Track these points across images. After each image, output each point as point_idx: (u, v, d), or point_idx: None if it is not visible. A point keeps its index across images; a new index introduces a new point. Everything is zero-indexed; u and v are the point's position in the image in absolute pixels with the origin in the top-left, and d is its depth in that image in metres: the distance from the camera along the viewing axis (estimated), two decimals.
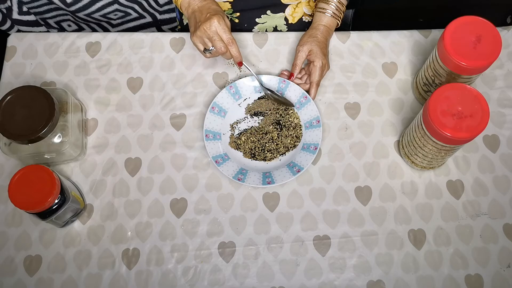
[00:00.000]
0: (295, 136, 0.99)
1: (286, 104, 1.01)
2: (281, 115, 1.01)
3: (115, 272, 0.91)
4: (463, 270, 0.91)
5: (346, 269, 0.91)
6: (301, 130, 1.00)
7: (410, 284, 0.90)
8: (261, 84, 1.01)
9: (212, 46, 0.96)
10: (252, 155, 0.98)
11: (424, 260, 0.91)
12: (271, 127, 1.00)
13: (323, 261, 0.92)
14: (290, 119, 1.00)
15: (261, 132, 1.00)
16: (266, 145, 0.99)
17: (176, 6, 1.22)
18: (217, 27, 0.93)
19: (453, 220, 0.94)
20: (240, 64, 0.99)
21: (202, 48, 0.97)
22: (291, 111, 1.01)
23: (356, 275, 0.91)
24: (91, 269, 0.91)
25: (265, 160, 0.98)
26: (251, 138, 0.99)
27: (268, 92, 1.01)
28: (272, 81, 1.02)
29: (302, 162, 0.96)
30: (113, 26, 1.35)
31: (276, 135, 0.99)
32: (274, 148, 0.99)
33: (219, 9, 0.97)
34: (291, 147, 0.99)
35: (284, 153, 0.99)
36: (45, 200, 0.82)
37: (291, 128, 1.00)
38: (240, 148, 0.99)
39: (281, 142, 0.99)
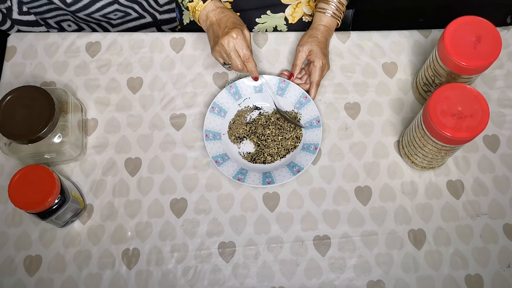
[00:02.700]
0: (295, 136, 0.99)
1: (295, 124, 1.00)
2: (278, 118, 1.01)
3: (115, 272, 0.91)
4: (463, 270, 0.91)
5: (346, 269, 0.91)
6: (300, 130, 1.00)
7: (410, 284, 0.90)
8: (277, 107, 1.01)
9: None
10: (252, 159, 0.98)
11: (424, 260, 0.91)
12: (268, 130, 1.00)
13: (323, 261, 0.92)
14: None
15: (261, 137, 0.99)
16: (266, 149, 0.99)
17: (177, 7, 1.22)
18: (235, 43, 0.93)
19: (453, 220, 0.94)
20: (256, 79, 0.99)
21: (222, 62, 0.98)
22: (288, 113, 1.01)
23: (356, 275, 0.91)
24: (91, 269, 0.91)
25: (265, 163, 0.98)
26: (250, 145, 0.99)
27: (284, 114, 1.00)
28: (272, 81, 1.02)
29: (302, 162, 0.96)
30: (113, 26, 1.35)
31: (277, 133, 0.99)
32: (275, 152, 0.99)
33: (237, 22, 0.96)
34: (291, 149, 0.99)
35: (285, 155, 0.99)
36: (45, 200, 0.82)
37: (291, 130, 1.00)
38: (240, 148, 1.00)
39: (282, 145, 0.99)
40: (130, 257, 0.92)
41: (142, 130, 1.01)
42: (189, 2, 0.98)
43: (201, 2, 0.97)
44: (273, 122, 1.01)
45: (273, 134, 0.99)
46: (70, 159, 0.97)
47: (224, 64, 0.98)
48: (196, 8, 0.97)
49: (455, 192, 0.96)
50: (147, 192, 0.96)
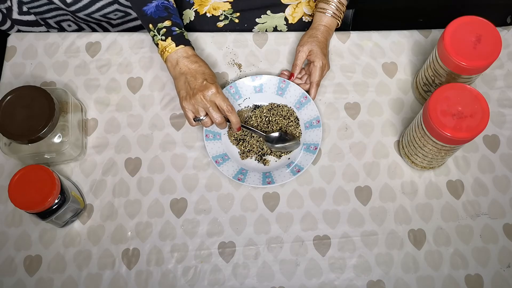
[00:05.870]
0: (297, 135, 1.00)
1: (291, 149, 0.98)
2: (280, 126, 1.01)
3: (115, 272, 0.91)
4: (463, 270, 0.91)
5: (346, 269, 0.91)
6: (299, 129, 1.00)
7: (410, 284, 0.90)
8: (266, 139, 0.99)
9: (205, 116, 0.93)
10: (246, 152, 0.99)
11: (424, 260, 0.91)
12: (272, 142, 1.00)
13: (323, 261, 0.92)
14: (288, 121, 1.01)
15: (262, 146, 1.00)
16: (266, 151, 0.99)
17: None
18: (216, 97, 0.91)
19: (453, 220, 0.94)
20: (239, 129, 0.95)
21: (191, 116, 0.93)
22: (287, 113, 1.01)
23: (356, 275, 0.91)
24: (91, 269, 0.91)
25: (265, 164, 0.98)
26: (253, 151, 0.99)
27: (275, 146, 0.98)
28: (272, 81, 1.02)
29: (302, 162, 0.96)
30: (113, 26, 1.35)
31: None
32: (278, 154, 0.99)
33: (213, 74, 0.94)
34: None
35: (280, 155, 0.99)
36: (45, 200, 0.82)
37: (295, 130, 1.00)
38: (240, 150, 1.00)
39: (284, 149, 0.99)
40: (130, 257, 0.92)
41: (142, 130, 1.01)
42: (161, 40, 0.94)
43: (174, 44, 0.94)
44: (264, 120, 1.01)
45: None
46: (70, 159, 0.97)
47: (195, 119, 0.93)
48: (167, 49, 0.94)
49: (455, 192, 0.96)
50: (147, 192, 0.96)
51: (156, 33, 0.95)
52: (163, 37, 0.95)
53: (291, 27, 1.13)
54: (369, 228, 0.94)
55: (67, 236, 0.93)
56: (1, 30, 1.26)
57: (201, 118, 0.93)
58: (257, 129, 1.00)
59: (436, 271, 0.91)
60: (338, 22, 1.05)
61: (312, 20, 1.07)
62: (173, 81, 0.96)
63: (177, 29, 0.96)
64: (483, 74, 1.05)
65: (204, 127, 0.98)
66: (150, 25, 0.96)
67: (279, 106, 1.02)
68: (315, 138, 0.98)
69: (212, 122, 0.94)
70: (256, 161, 0.98)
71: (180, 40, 0.95)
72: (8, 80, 1.05)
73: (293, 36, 1.09)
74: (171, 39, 0.94)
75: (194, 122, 0.94)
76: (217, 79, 0.95)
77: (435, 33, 1.09)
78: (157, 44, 0.96)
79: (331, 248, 0.92)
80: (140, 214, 0.95)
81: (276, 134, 0.98)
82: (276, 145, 0.97)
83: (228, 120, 0.95)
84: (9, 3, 1.23)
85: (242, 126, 0.96)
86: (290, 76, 1.03)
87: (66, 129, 0.93)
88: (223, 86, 1.04)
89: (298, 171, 0.94)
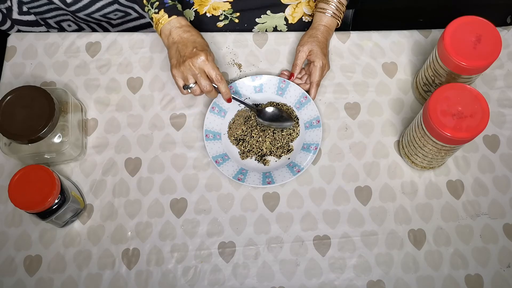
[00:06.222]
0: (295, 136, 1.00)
1: (283, 127, 0.99)
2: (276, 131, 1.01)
3: (115, 272, 0.91)
4: (463, 270, 0.91)
5: (346, 269, 0.91)
6: (297, 126, 1.00)
7: (410, 284, 0.90)
8: (259, 116, 0.99)
9: (194, 84, 0.94)
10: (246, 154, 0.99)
11: (424, 260, 0.91)
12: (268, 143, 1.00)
13: (323, 261, 0.92)
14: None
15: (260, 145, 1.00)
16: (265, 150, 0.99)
17: None
18: (205, 65, 0.91)
19: (453, 220, 0.94)
20: (229, 100, 0.97)
21: (181, 84, 0.95)
22: (287, 111, 1.01)
23: (356, 275, 0.91)
24: (91, 269, 0.91)
25: (265, 164, 0.98)
26: (252, 151, 0.99)
27: (266, 123, 0.99)
28: (272, 81, 1.03)
29: (302, 162, 0.96)
30: (113, 26, 1.35)
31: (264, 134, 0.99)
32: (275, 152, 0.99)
33: (205, 43, 0.95)
34: (290, 150, 0.99)
35: (281, 154, 0.99)
36: (45, 200, 0.82)
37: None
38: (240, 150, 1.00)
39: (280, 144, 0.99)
40: (130, 257, 0.92)
41: (142, 130, 1.01)
42: (155, 13, 0.96)
43: (166, 16, 0.96)
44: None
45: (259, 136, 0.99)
46: (70, 159, 0.97)
47: (184, 86, 0.95)
48: (160, 21, 0.96)
49: (455, 192, 0.96)
50: (147, 192, 0.96)
51: (150, 8, 0.97)
52: (156, 10, 0.96)
53: (291, 27, 1.13)
54: (369, 228, 0.94)
55: (67, 236, 0.93)
56: (1, 30, 1.26)
57: (190, 85, 0.94)
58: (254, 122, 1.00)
59: (436, 271, 0.91)
60: (338, 22, 1.05)
61: (312, 20, 1.07)
62: (167, 51, 0.97)
63: (169, 1, 0.97)
64: (483, 74, 1.05)
65: (204, 128, 0.98)
66: (144, 0, 0.98)
67: (278, 105, 1.02)
68: (315, 138, 0.98)
69: (202, 91, 0.95)
70: (256, 161, 0.98)
71: (173, 11, 0.96)
72: (8, 80, 1.05)
73: (293, 36, 1.09)
74: (164, 11, 0.96)
75: (184, 90, 0.95)
76: (208, 47, 0.95)
77: (435, 33, 1.09)
78: (151, 19, 0.98)
79: (331, 248, 0.92)
80: (140, 214, 0.95)
81: (270, 109, 0.98)
82: (269, 123, 0.98)
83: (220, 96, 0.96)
84: (9, 3, 1.23)
85: (233, 97, 0.97)
86: (290, 76, 1.03)
87: (66, 129, 0.93)
88: None
89: (298, 171, 0.94)
